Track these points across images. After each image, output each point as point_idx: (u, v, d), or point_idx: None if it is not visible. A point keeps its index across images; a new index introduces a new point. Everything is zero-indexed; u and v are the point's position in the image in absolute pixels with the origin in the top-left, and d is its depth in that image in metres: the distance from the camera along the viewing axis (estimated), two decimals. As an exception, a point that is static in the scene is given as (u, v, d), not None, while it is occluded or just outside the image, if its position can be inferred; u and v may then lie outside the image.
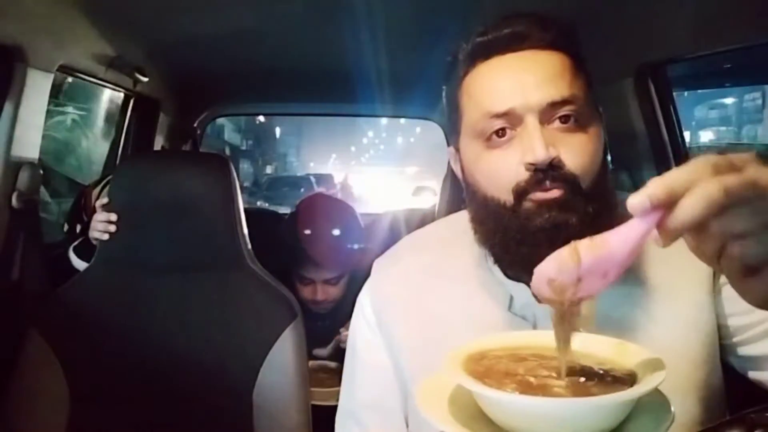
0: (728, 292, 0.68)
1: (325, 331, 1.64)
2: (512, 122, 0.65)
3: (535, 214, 0.64)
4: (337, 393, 1.48)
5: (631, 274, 0.69)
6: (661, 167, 1.43)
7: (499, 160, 0.66)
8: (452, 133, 0.75)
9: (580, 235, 0.58)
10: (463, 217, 0.76)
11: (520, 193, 0.65)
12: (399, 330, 0.75)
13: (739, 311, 0.68)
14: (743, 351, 0.69)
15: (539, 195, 0.64)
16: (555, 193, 0.63)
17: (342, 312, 1.61)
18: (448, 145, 2.49)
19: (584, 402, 0.44)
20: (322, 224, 1.63)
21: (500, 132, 0.66)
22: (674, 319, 0.68)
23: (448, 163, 2.65)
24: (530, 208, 0.64)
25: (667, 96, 1.42)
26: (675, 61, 1.35)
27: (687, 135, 1.64)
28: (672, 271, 0.69)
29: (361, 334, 0.80)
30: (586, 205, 0.64)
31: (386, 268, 0.81)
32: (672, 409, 0.47)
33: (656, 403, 0.48)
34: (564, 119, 0.65)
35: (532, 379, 0.47)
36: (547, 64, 0.66)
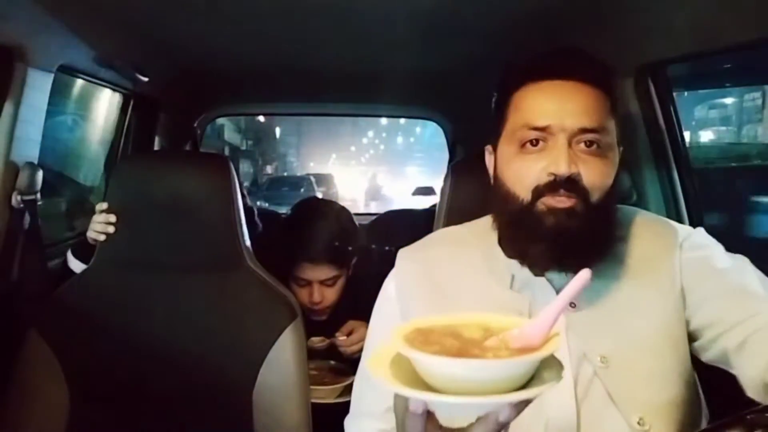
0: (687, 283, 0.81)
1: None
2: (546, 136, 0.78)
3: (545, 217, 0.77)
4: (337, 390, 1.48)
5: (617, 265, 0.83)
6: (661, 167, 1.43)
7: (527, 164, 0.79)
8: (492, 134, 0.88)
9: (579, 240, 0.76)
10: (478, 223, 0.93)
11: (537, 194, 0.77)
12: (415, 304, 0.87)
13: (687, 282, 0.81)
14: (696, 323, 0.80)
15: (551, 201, 0.76)
16: (565, 203, 0.76)
17: (339, 322, 1.60)
18: (449, 146, 2.52)
19: (492, 363, 0.51)
20: (318, 225, 1.61)
21: (534, 142, 0.79)
22: (650, 292, 0.81)
23: (448, 163, 2.65)
24: (542, 211, 0.77)
25: (667, 96, 1.42)
26: (675, 61, 1.34)
27: (687, 135, 1.63)
28: (642, 268, 0.83)
29: (383, 310, 0.92)
30: (590, 216, 0.77)
31: (410, 254, 0.94)
32: (564, 367, 0.55)
33: (553, 364, 0.55)
34: (589, 144, 0.77)
35: (460, 346, 0.54)
36: (586, 97, 0.79)
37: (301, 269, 1.58)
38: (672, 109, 1.42)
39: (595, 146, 0.77)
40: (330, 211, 1.70)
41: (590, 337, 0.80)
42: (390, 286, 0.93)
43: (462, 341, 0.54)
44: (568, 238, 0.76)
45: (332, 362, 1.60)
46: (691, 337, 0.81)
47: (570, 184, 0.76)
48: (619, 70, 1.41)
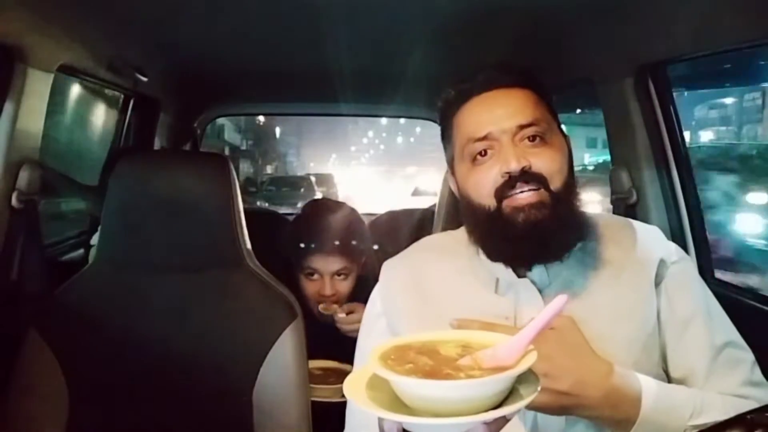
0: (667, 290, 0.85)
1: (331, 338, 1.59)
2: (491, 144, 0.83)
3: (514, 216, 0.80)
4: (341, 390, 1.48)
5: (594, 263, 0.86)
6: (661, 167, 1.43)
7: (482, 173, 0.83)
8: (447, 160, 0.93)
9: (552, 231, 0.80)
10: (460, 231, 0.94)
11: (500, 196, 0.81)
12: (402, 315, 0.89)
13: (665, 307, 0.84)
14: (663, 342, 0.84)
15: (516, 199, 0.80)
16: (529, 197, 0.80)
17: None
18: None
19: (460, 383, 0.51)
20: (329, 219, 1.65)
21: (482, 152, 0.83)
22: (627, 290, 0.83)
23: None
24: (509, 212, 0.81)
25: (667, 96, 1.42)
26: (675, 61, 1.35)
27: (687, 135, 1.64)
28: (623, 260, 0.86)
29: (373, 329, 0.93)
30: (555, 205, 0.80)
31: (395, 264, 0.96)
32: (539, 382, 0.56)
33: (530, 380, 0.56)
34: (531, 138, 0.82)
35: (433, 365, 0.54)
36: (514, 98, 0.85)
37: (313, 260, 1.59)
38: (672, 109, 1.42)
39: (538, 139, 0.82)
40: (340, 208, 1.74)
41: None
42: (376, 301, 0.94)
43: (436, 360, 0.55)
44: (541, 230, 0.79)
45: (336, 363, 1.60)
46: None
47: (525, 176, 0.80)
48: (618, 70, 1.42)
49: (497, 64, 0.89)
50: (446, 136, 0.92)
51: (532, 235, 0.79)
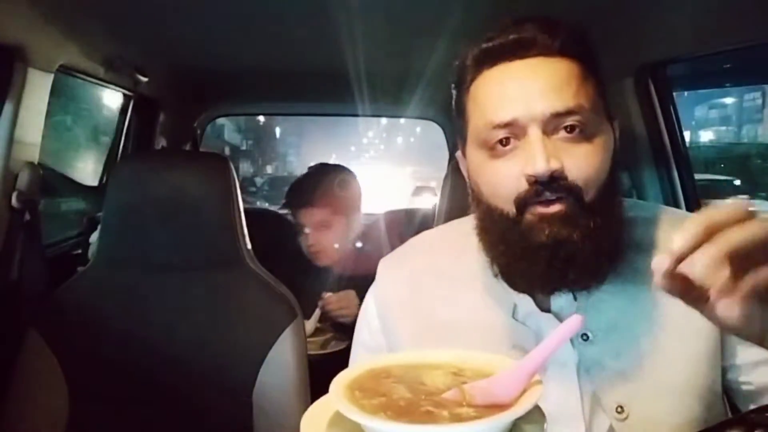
0: None
1: (333, 279, 1.75)
2: (515, 132, 0.63)
3: (536, 228, 0.63)
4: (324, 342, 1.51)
5: (638, 281, 0.69)
6: (661, 167, 1.43)
7: (501, 170, 0.64)
8: (459, 138, 0.74)
9: (581, 251, 0.62)
10: (469, 221, 0.74)
11: (521, 205, 0.63)
12: (403, 332, 0.75)
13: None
14: (733, 376, 0.69)
15: (540, 209, 0.62)
16: (556, 208, 0.62)
17: (341, 278, 1.73)
18: (448, 146, 2.53)
19: (431, 429, 0.41)
20: (310, 177, 1.83)
21: (504, 141, 0.64)
22: (679, 326, 0.66)
23: (448, 162, 2.65)
24: (532, 222, 0.63)
25: (667, 96, 1.42)
26: (675, 61, 1.35)
27: (687, 135, 1.64)
28: None
29: (364, 338, 0.81)
30: (588, 220, 0.62)
31: (391, 269, 0.80)
32: (545, 416, 0.45)
33: (535, 419, 0.46)
34: (569, 129, 0.62)
35: (410, 398, 0.45)
36: (554, 72, 0.63)
37: (298, 215, 1.78)
38: (672, 109, 1.42)
39: (578, 131, 0.62)
40: (326, 168, 1.91)
41: (606, 379, 0.66)
42: (371, 311, 0.80)
43: (416, 392, 0.45)
44: (569, 250, 0.62)
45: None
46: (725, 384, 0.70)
47: (554, 183, 0.61)
48: (618, 70, 1.42)
49: (537, 18, 0.66)
50: (459, 108, 0.71)
51: (555, 255, 0.62)
